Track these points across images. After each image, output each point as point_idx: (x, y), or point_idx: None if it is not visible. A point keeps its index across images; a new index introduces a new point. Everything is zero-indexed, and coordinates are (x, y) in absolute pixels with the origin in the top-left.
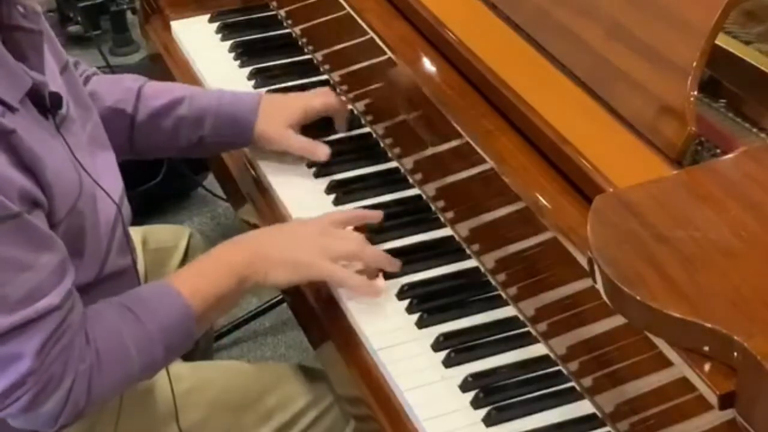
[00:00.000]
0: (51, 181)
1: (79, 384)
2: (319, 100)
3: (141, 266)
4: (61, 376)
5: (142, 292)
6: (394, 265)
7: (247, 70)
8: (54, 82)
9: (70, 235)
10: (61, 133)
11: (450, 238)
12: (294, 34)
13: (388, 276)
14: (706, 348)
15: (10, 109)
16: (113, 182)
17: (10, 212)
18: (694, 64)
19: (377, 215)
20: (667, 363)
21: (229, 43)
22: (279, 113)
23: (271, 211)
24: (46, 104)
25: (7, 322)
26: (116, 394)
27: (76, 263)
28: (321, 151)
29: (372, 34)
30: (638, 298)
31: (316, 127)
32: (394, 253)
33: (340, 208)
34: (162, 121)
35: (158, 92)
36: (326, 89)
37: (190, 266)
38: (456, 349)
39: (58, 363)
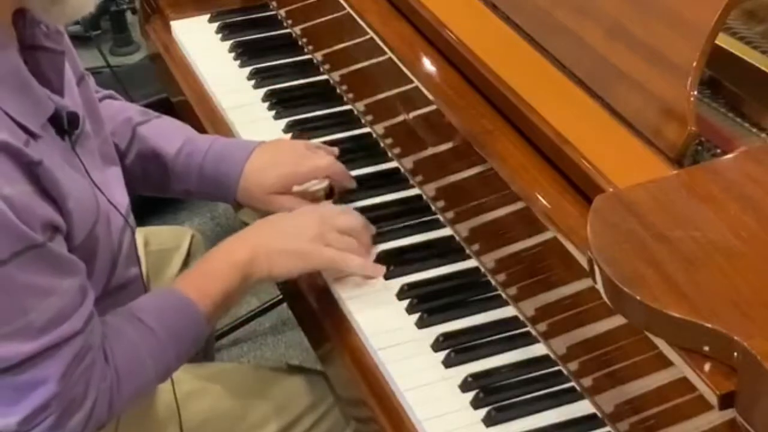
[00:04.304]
0: (72, 210)
1: (101, 402)
2: (309, 165)
3: (143, 268)
4: (84, 396)
5: (152, 301)
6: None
7: (247, 70)
8: (72, 100)
9: (83, 257)
10: (76, 152)
11: (450, 238)
12: (294, 34)
13: (388, 276)
14: (706, 348)
15: (33, 136)
16: (121, 196)
17: (34, 243)
18: (694, 64)
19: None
20: (667, 363)
21: (229, 43)
22: (262, 179)
23: (270, 212)
24: (63, 125)
25: (31, 348)
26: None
27: None
28: None
29: (372, 34)
30: (638, 298)
31: (314, 127)
32: (394, 253)
33: (340, 208)
34: (150, 166)
35: (153, 135)
36: (326, 155)
37: (196, 269)
38: (456, 349)
39: (80, 384)
